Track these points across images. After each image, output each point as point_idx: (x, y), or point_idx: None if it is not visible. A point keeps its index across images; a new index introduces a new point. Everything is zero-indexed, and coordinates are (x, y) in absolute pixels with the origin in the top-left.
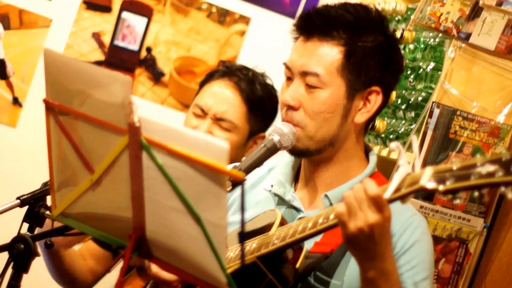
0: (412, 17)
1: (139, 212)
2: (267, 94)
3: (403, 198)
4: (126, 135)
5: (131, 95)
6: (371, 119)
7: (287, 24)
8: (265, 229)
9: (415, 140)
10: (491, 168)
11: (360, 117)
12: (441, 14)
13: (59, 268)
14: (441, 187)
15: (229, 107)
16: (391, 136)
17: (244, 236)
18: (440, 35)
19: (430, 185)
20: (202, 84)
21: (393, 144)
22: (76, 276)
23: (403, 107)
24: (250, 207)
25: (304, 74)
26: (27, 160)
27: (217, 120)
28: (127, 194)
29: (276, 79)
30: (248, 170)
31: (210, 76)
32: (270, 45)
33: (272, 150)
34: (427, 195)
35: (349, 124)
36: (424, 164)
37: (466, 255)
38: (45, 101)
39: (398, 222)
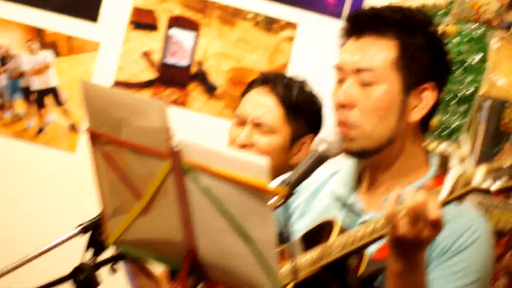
0: (452, 11)
1: (190, 235)
2: (306, 98)
3: (457, 200)
4: (168, 160)
5: (168, 120)
6: (427, 118)
7: (333, 25)
8: (325, 237)
9: (465, 140)
10: None
11: (416, 115)
12: (480, 6)
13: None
14: (493, 187)
15: (265, 111)
16: (444, 132)
17: (293, 252)
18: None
19: (483, 185)
20: (242, 95)
21: (443, 146)
22: None
23: (453, 102)
24: (312, 212)
25: (358, 71)
26: (88, 184)
27: (256, 125)
28: (176, 217)
29: (328, 81)
30: (297, 182)
31: (249, 87)
32: (319, 47)
33: (318, 161)
34: None
35: (405, 122)
36: (480, 159)
37: None
38: (88, 131)
39: (457, 224)
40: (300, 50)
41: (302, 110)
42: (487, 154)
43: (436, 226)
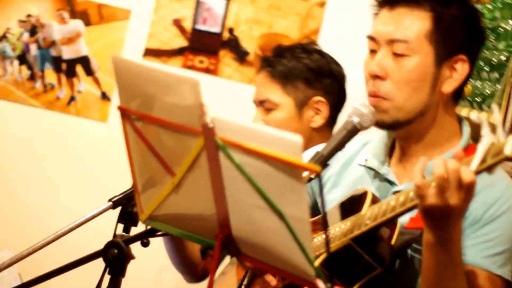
0: None
1: (223, 211)
2: (297, 62)
3: (489, 169)
4: (202, 136)
5: (202, 96)
6: (459, 89)
7: None
8: (357, 208)
9: (496, 109)
10: None
11: (448, 87)
12: None
13: (179, 254)
14: None
15: (263, 90)
16: (477, 99)
17: (326, 225)
18: None
19: None
20: None
21: (474, 115)
22: (195, 262)
23: (486, 68)
24: (345, 183)
25: (392, 42)
26: (121, 153)
27: (261, 104)
28: (209, 194)
29: (360, 48)
30: (330, 154)
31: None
32: (351, 12)
33: (352, 132)
34: None
35: (437, 94)
36: None
37: None
38: (120, 108)
39: (490, 193)
40: (332, 16)
41: (295, 75)
42: None
43: (469, 191)
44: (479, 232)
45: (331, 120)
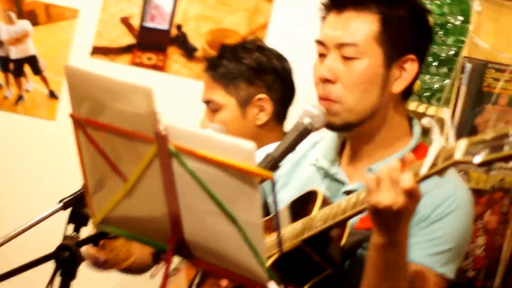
0: None
1: (176, 216)
2: (236, 63)
3: (439, 173)
4: (155, 144)
5: (154, 105)
6: (408, 88)
7: None
8: (308, 208)
9: (446, 112)
10: None
11: (398, 87)
12: None
13: None
14: (475, 160)
15: (207, 91)
16: (426, 93)
17: (279, 228)
18: None
19: (465, 158)
20: None
21: (425, 120)
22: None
23: (435, 63)
24: (295, 183)
25: (341, 46)
26: (69, 151)
27: (208, 105)
28: (162, 199)
29: (308, 42)
30: (281, 156)
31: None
32: (299, 8)
33: (304, 133)
34: None
35: (387, 94)
36: (461, 120)
37: (511, 204)
38: (72, 116)
39: (439, 193)
40: (280, 11)
41: (234, 75)
42: (469, 115)
43: (412, 196)
44: (425, 230)
45: (278, 115)
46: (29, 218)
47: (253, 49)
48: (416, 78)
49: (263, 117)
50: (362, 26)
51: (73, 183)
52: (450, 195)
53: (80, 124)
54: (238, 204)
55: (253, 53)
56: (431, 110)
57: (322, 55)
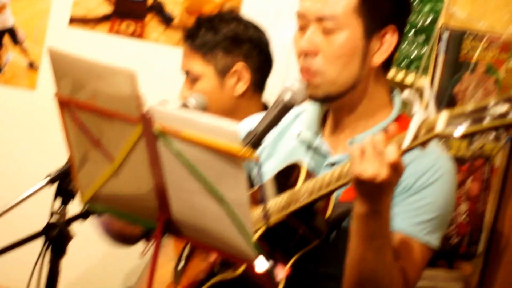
0: None
1: (163, 196)
2: (215, 31)
3: (421, 145)
4: (140, 125)
5: (138, 87)
6: (389, 60)
7: None
8: (292, 181)
9: (427, 85)
10: (503, 108)
11: (378, 58)
12: None
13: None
14: (456, 133)
15: (186, 61)
16: (404, 62)
17: (266, 202)
18: None
19: (446, 131)
20: None
21: (406, 93)
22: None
23: (411, 31)
24: (279, 154)
25: (320, 19)
26: (50, 120)
27: (187, 75)
28: (149, 179)
29: (284, 11)
30: (264, 132)
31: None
32: None
33: (285, 108)
34: None
35: (368, 66)
36: (440, 88)
37: (492, 171)
38: (56, 96)
39: (422, 163)
40: None
41: (211, 45)
42: (446, 84)
43: (396, 169)
44: (409, 200)
45: (257, 85)
46: (12, 187)
47: (230, 19)
48: (396, 49)
49: (241, 86)
50: None
51: (55, 152)
52: (433, 165)
53: (65, 104)
54: (224, 183)
55: (230, 23)
56: (410, 78)
57: (302, 28)
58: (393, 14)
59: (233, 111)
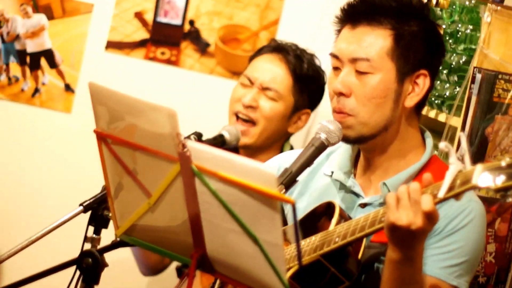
0: None
1: (198, 233)
2: (314, 72)
3: (456, 196)
4: (178, 163)
5: (178, 126)
6: (421, 103)
7: None
8: (325, 221)
9: (463, 136)
10: None
11: (410, 101)
12: None
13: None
14: (492, 186)
15: (275, 77)
16: (437, 100)
17: (299, 242)
18: (474, 0)
19: (482, 183)
20: (252, 58)
21: (442, 144)
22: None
23: (445, 71)
24: (310, 194)
25: (354, 60)
26: (85, 144)
27: (263, 89)
28: (184, 216)
29: (319, 35)
30: (299, 171)
31: (259, 51)
32: (309, 4)
33: (320, 148)
34: (476, 159)
35: (400, 108)
36: (471, 129)
37: None
38: (96, 132)
39: (452, 206)
40: (291, 6)
41: (308, 84)
42: (479, 124)
43: (431, 218)
44: (439, 243)
45: None
46: (46, 211)
47: (320, 69)
48: (428, 92)
49: (296, 128)
50: (376, 41)
51: (90, 176)
52: (464, 208)
53: (103, 138)
54: (259, 224)
55: (322, 73)
56: (442, 117)
57: (336, 68)
58: (426, 58)
59: (277, 141)
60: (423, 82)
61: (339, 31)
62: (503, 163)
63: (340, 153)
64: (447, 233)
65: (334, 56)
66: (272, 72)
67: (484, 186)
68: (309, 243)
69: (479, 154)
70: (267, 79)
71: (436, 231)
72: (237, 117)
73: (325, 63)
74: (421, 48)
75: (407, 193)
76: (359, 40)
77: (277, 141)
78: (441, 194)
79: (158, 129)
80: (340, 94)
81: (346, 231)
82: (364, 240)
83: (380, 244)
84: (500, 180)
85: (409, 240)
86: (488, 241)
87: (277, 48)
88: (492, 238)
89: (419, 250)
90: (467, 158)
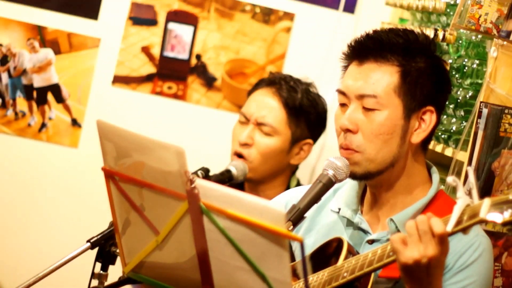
0: (452, 20)
1: (206, 270)
2: (309, 101)
3: (464, 230)
4: (186, 201)
5: (186, 164)
6: (427, 139)
7: (330, 15)
8: (333, 257)
9: (470, 171)
10: None
11: (417, 137)
12: (480, 16)
13: None
14: (500, 220)
15: (268, 112)
16: (444, 135)
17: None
18: (481, 35)
19: (490, 217)
20: (249, 94)
21: (450, 178)
22: None
23: (452, 106)
24: (317, 230)
25: (361, 97)
26: (92, 178)
27: (258, 125)
28: (192, 253)
29: (324, 69)
30: (306, 207)
31: (256, 85)
32: (316, 38)
33: (328, 185)
34: (483, 193)
35: (407, 144)
36: (478, 164)
37: None
38: (104, 169)
39: (460, 242)
40: (298, 41)
41: (304, 114)
42: (486, 159)
43: (443, 242)
44: (452, 280)
45: None
46: (53, 247)
47: (319, 96)
48: (435, 128)
49: (299, 159)
50: (383, 78)
51: (97, 211)
52: (473, 243)
53: (111, 176)
54: (268, 262)
55: (321, 101)
56: (449, 151)
57: (343, 105)
58: (433, 94)
59: (281, 173)
60: (429, 118)
61: (345, 67)
62: (510, 197)
63: (347, 189)
64: (458, 269)
65: (341, 92)
66: (266, 106)
67: (492, 220)
68: (318, 278)
69: (485, 188)
70: (261, 114)
71: (447, 268)
72: (238, 156)
73: (331, 98)
74: (428, 84)
75: (415, 227)
76: (366, 76)
77: (280, 174)
78: (449, 227)
79: (166, 167)
80: (347, 130)
81: (354, 266)
82: (372, 275)
83: (387, 280)
84: (508, 213)
85: (424, 277)
86: (495, 275)
87: (271, 82)
88: (499, 272)
89: (436, 280)
90: (474, 192)
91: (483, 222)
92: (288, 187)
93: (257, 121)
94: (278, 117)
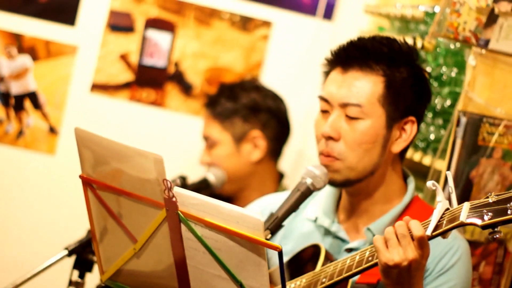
0: (430, 29)
1: (184, 278)
2: (235, 99)
3: (443, 234)
4: (164, 209)
5: (164, 172)
6: (406, 148)
7: (308, 23)
8: (311, 263)
9: (449, 175)
10: None
11: (397, 147)
12: (458, 25)
13: None
14: (479, 223)
15: (205, 127)
16: (422, 144)
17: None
18: (459, 44)
19: (469, 220)
20: None
21: (430, 183)
22: None
23: (430, 114)
24: (294, 237)
25: (345, 105)
26: (69, 185)
27: (206, 141)
28: (170, 262)
29: (302, 76)
30: (284, 216)
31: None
32: (294, 45)
33: (306, 193)
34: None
35: (387, 153)
36: (456, 172)
37: (506, 255)
38: (81, 177)
39: (438, 246)
40: (276, 49)
41: (230, 113)
42: (463, 167)
43: (422, 245)
44: (433, 283)
45: (273, 153)
46: (30, 252)
47: (250, 88)
48: (414, 138)
49: (257, 154)
50: (367, 87)
51: (74, 218)
52: (451, 247)
53: (89, 184)
54: (246, 270)
55: (250, 92)
56: (427, 160)
57: (325, 112)
58: (415, 104)
59: (249, 177)
60: (410, 128)
61: (327, 73)
62: (490, 200)
63: (324, 196)
64: (438, 273)
65: (324, 99)
66: (205, 125)
67: (472, 223)
68: (296, 285)
69: (464, 197)
70: (204, 132)
71: (427, 272)
72: None
73: (309, 105)
74: (410, 94)
75: (393, 232)
76: (350, 85)
77: None
78: (428, 231)
79: (144, 175)
80: (329, 138)
81: (333, 272)
82: (350, 281)
83: (366, 285)
84: (487, 217)
85: (405, 279)
86: (473, 284)
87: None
88: (477, 281)
89: (417, 283)
90: (453, 196)
91: (462, 225)
92: None
93: (205, 139)
94: (214, 128)
